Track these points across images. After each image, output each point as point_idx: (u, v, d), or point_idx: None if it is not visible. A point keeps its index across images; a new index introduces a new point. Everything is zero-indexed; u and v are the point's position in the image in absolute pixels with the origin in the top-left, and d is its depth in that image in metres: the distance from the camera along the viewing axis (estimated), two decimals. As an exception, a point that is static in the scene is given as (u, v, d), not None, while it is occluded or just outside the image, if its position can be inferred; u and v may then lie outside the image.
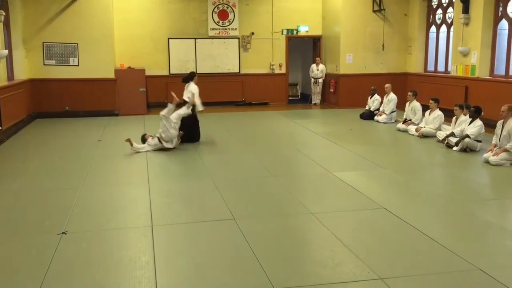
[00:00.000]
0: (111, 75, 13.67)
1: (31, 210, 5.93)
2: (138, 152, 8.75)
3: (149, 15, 14.96)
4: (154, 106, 15.00)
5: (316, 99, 16.06)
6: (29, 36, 13.00)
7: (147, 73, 14.38)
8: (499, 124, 8.09)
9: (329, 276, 4.10)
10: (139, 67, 14.44)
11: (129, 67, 14.37)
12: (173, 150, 9.37)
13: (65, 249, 4.65)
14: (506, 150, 7.79)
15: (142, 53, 14.88)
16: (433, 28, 14.37)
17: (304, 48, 17.49)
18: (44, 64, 13.27)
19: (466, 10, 12.11)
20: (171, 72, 15.31)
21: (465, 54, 12.32)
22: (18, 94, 11.79)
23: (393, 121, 12.20)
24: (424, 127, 10.33)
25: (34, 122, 12.62)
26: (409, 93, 11.49)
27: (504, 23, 11.50)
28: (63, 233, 5.03)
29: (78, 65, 13.44)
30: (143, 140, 9.06)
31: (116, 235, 5.06)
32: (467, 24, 12.19)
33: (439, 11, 13.99)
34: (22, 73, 12.61)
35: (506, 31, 11.41)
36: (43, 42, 13.18)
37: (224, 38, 15.53)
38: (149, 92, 14.76)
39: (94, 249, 4.69)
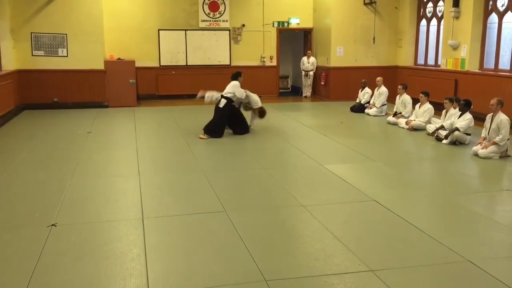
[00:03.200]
0: (100, 66, 13.55)
1: (20, 202, 5.88)
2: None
3: (139, 6, 14.83)
4: (144, 98, 14.95)
5: (306, 91, 16.07)
6: (17, 26, 12.82)
7: (137, 64, 14.27)
8: (488, 117, 8.15)
9: (321, 268, 4.12)
10: (129, 58, 14.33)
11: (119, 59, 14.24)
12: (164, 142, 9.34)
13: (55, 242, 4.62)
14: (495, 143, 7.86)
15: (132, 44, 14.76)
16: (423, 22, 14.40)
17: (295, 40, 17.46)
18: (32, 55, 13.10)
19: (456, 3, 12.14)
20: (161, 64, 15.22)
21: (455, 48, 12.38)
22: (6, 85, 11.63)
23: (383, 114, 12.24)
24: (414, 120, 10.39)
25: (22, 114, 12.48)
26: (399, 86, 11.54)
27: (494, 17, 11.56)
28: (52, 225, 4.99)
29: (67, 56, 13.29)
30: None
31: (106, 227, 5.03)
32: (457, 17, 12.24)
33: (430, 4, 14.02)
34: (10, 63, 12.44)
35: (496, 25, 11.47)
36: (31, 33, 13.01)
37: (215, 30, 15.44)
38: (139, 84, 14.66)
39: (84, 241, 4.66)
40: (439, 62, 13.40)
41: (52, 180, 6.66)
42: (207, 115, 10.37)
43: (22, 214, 5.42)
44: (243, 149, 8.61)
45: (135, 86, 14.05)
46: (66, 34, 13.19)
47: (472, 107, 8.98)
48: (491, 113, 8.09)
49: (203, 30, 15.35)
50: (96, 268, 4.10)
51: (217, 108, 9.54)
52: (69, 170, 7.12)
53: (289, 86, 18.13)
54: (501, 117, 7.91)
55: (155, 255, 4.35)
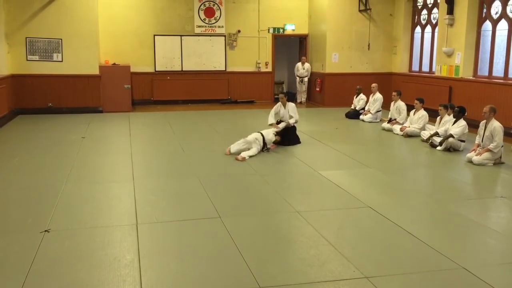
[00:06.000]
0: (95, 71, 13.52)
1: (14, 207, 5.84)
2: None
3: (135, 11, 14.84)
4: (139, 103, 14.93)
5: (301, 97, 16.10)
6: (12, 31, 12.79)
7: (132, 69, 14.27)
8: (482, 124, 8.18)
9: (315, 274, 4.11)
10: (124, 63, 14.32)
11: (114, 64, 14.23)
12: (159, 147, 9.32)
13: (48, 247, 4.59)
14: (489, 150, 7.89)
15: (127, 49, 14.76)
16: (418, 29, 14.49)
17: (291, 46, 17.51)
18: (27, 60, 13.06)
19: (450, 11, 12.23)
20: (156, 69, 15.21)
21: (449, 55, 12.45)
22: (0, 90, 11.58)
23: (378, 120, 12.28)
24: (409, 126, 10.42)
25: (16, 119, 12.42)
26: (394, 93, 11.58)
27: (487, 25, 11.64)
28: (46, 231, 4.96)
29: (62, 61, 13.27)
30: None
31: (100, 233, 5.00)
32: (451, 25, 12.32)
33: (424, 11, 14.12)
34: (4, 68, 12.39)
35: (490, 32, 11.55)
36: (26, 37, 12.98)
37: (210, 36, 15.47)
38: (134, 89, 14.65)
39: (77, 247, 4.63)
40: (433, 69, 13.47)
41: (46, 186, 6.62)
42: (202, 121, 10.37)
43: (15, 220, 5.38)
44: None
45: (130, 91, 14.03)
46: (61, 39, 13.17)
47: (466, 113, 9.03)
48: (484, 120, 8.13)
49: (199, 35, 15.37)
50: (90, 274, 4.07)
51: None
52: (63, 175, 7.08)
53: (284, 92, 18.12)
54: (494, 124, 7.94)
55: (149, 261, 4.32)
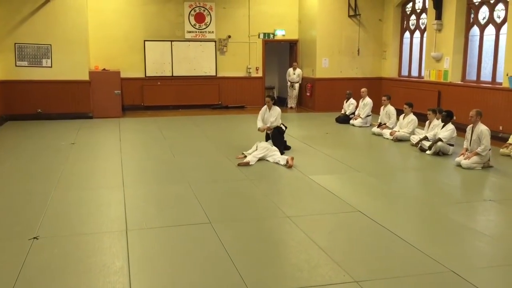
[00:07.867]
0: (85, 77, 13.47)
1: (2, 214, 5.78)
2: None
3: (125, 17, 14.81)
4: (129, 108, 14.88)
5: (292, 102, 16.14)
6: (1, 37, 12.72)
7: (123, 75, 14.23)
8: (469, 129, 8.25)
9: (306, 279, 4.11)
10: (114, 69, 14.28)
11: (104, 69, 14.18)
12: (149, 153, 9.29)
13: (37, 255, 4.55)
14: (477, 154, 7.96)
15: (118, 55, 14.71)
16: (407, 34, 14.62)
17: (281, 52, 17.57)
18: (16, 65, 12.98)
19: (439, 16, 12.36)
20: (147, 75, 15.18)
21: (438, 60, 12.57)
22: (-11, 96, 11.52)
23: (368, 125, 12.34)
24: (398, 131, 10.49)
25: (5, 125, 12.33)
26: (384, 97, 11.65)
27: (475, 30, 11.77)
28: (34, 238, 4.92)
29: (51, 67, 13.20)
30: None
31: (89, 240, 4.97)
32: (440, 30, 12.44)
33: (413, 17, 14.25)
34: (-7, 74, 12.34)
35: (477, 38, 11.68)
36: (15, 43, 12.90)
37: (201, 41, 15.48)
38: (124, 94, 14.60)
39: (66, 254, 4.60)
40: (422, 74, 13.59)
41: (35, 192, 6.57)
42: (193, 126, 10.35)
43: (3, 227, 5.33)
44: (228, 160, 8.59)
45: (120, 97, 13.98)
46: (50, 45, 13.11)
47: (454, 118, 9.10)
48: (471, 125, 8.20)
49: (189, 41, 15.38)
50: (79, 281, 4.05)
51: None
52: (52, 181, 7.04)
53: (275, 97, 18.12)
54: (481, 128, 8.01)
55: (139, 268, 4.30)
